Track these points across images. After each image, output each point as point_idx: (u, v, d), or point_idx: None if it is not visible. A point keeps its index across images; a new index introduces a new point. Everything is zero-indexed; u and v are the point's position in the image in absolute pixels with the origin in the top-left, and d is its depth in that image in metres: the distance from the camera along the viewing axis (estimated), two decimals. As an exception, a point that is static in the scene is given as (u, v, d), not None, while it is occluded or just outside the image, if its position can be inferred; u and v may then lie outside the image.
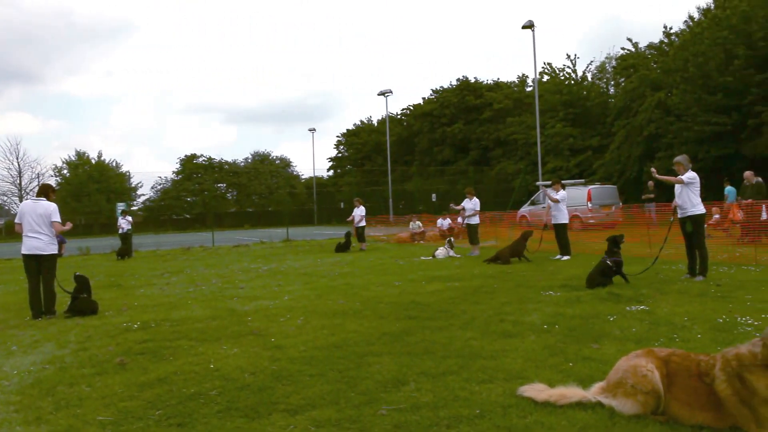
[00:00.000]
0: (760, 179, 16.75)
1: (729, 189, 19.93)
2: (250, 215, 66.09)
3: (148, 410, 4.28)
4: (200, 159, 70.14)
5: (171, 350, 6.09)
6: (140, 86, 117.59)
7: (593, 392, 3.97)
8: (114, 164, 64.80)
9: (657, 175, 10.41)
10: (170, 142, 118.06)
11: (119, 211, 25.01)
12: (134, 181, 66.12)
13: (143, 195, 67.62)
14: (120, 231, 22.15)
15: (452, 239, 17.41)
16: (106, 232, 48.36)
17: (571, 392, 4.00)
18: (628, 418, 3.66)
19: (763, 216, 15.04)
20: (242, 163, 74.33)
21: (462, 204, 17.03)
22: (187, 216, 65.77)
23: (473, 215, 16.63)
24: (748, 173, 16.97)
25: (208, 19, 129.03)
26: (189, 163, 68.83)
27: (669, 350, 3.91)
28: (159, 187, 67.79)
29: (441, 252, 16.16)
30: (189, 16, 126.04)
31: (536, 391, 4.09)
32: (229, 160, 73.03)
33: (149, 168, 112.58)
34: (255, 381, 4.86)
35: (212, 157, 71.07)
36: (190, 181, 67.51)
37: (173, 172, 68.85)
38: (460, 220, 22.58)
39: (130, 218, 22.75)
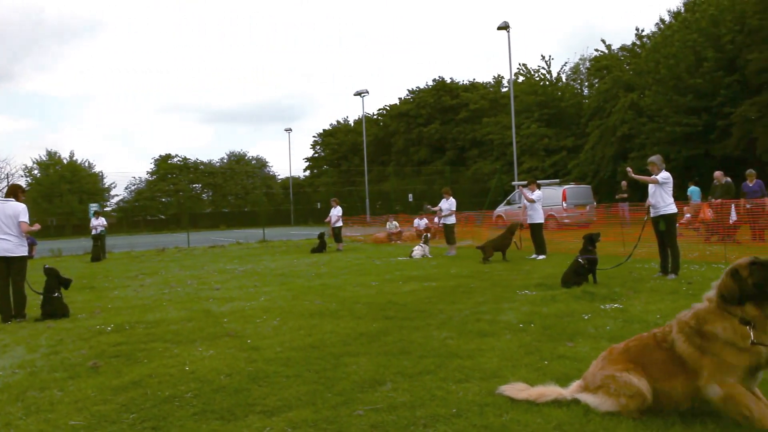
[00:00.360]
0: (729, 179, 17.11)
1: (692, 189, 20.40)
2: (225, 216, 65.64)
3: (121, 414, 4.22)
4: (175, 159, 69.47)
5: (145, 353, 6.01)
6: (113, 85, 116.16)
7: (571, 390, 3.99)
8: (86, 164, 63.90)
9: (633, 175, 10.57)
10: (144, 142, 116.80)
11: (92, 212, 24.64)
12: (107, 181, 65.34)
13: (117, 195, 66.82)
14: (93, 232, 21.81)
15: (428, 235, 17.49)
16: (79, 233, 47.58)
17: (550, 390, 4.03)
18: (602, 415, 3.70)
19: (732, 216, 15.37)
20: (218, 164, 73.81)
21: (439, 204, 17.10)
22: (162, 217, 65.08)
23: (449, 215, 16.70)
24: (717, 173, 17.33)
25: (184, 18, 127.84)
26: (164, 164, 68.10)
27: (623, 342, 3.98)
28: (133, 187, 67.03)
29: (417, 252, 16.20)
30: (162, 15, 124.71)
31: (516, 390, 4.11)
32: (205, 160, 72.62)
33: (123, 168, 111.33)
34: (231, 383, 4.82)
35: (187, 157, 70.59)
36: (165, 182, 66.79)
37: (147, 173, 68.18)
38: (436, 220, 22.70)
39: (103, 219, 22.42)
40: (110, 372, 5.35)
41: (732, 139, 28.15)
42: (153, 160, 68.96)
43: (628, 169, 11.15)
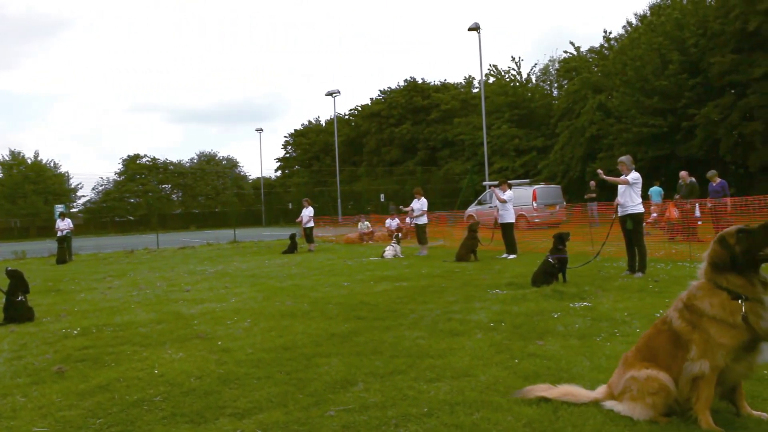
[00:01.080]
0: (693, 179, 17.52)
1: (653, 189, 20.90)
2: (196, 216, 64.86)
3: (88, 419, 4.14)
4: (144, 159, 68.38)
5: (113, 356, 5.91)
6: (80, 84, 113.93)
7: (598, 394, 3.88)
8: (52, 165, 62.57)
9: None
10: (112, 142, 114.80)
11: (58, 214, 24.09)
12: (74, 182, 64.04)
13: (83, 196, 65.53)
14: (59, 234, 21.34)
15: (399, 235, 17.54)
16: (44, 235, 46.51)
17: (576, 391, 3.94)
18: (571, 411, 3.75)
19: (696, 214, 15.75)
20: (188, 164, 72.91)
21: (411, 205, 17.16)
22: (131, 218, 64.00)
23: (421, 215, 16.76)
24: (683, 173, 17.74)
25: (152, 16, 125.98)
26: (132, 164, 66.98)
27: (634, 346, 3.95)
28: (100, 188, 65.76)
29: (389, 252, 16.22)
30: (131, 14, 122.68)
31: (540, 390, 4.02)
32: (174, 160, 71.59)
33: (90, 168, 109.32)
34: (201, 385, 4.76)
35: (156, 157, 69.49)
36: (134, 182, 65.69)
37: (115, 173, 66.96)
38: (408, 220, 22.76)
39: (69, 221, 21.97)
40: (76, 376, 5.24)
41: (696, 140, 28.80)
42: (121, 161, 67.86)
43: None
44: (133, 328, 7.39)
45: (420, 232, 16.92)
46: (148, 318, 8.06)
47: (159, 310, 8.69)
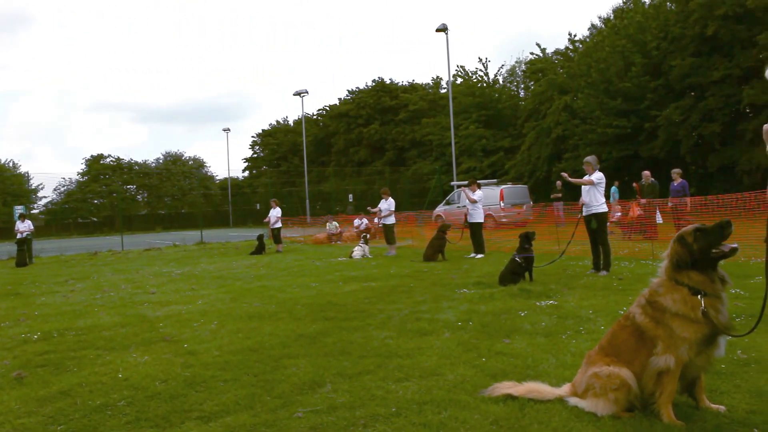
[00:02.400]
0: (654, 180, 17.93)
1: (612, 189, 21.38)
2: (162, 217, 63.87)
3: (48, 426, 4.04)
4: (108, 159, 67.11)
5: (75, 361, 5.78)
6: (41, 82, 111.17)
7: (563, 391, 3.94)
8: (11, 164, 61.02)
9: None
10: (74, 142, 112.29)
11: (17, 215, 23.46)
12: (34, 182, 62.54)
13: (45, 197, 63.96)
14: (18, 236, 20.78)
15: (367, 235, 17.56)
16: (3, 237, 45.25)
17: (541, 388, 4.00)
18: (537, 408, 3.80)
19: (658, 218, 16.17)
20: (153, 164, 71.76)
21: (378, 205, 17.19)
22: (94, 219, 62.70)
23: (389, 215, 16.80)
24: (645, 173, 18.14)
25: (116, 13, 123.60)
26: (95, 164, 65.64)
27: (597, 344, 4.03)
28: (62, 189, 64.27)
29: (357, 252, 16.23)
30: (94, 10, 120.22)
31: (505, 387, 4.07)
32: (139, 160, 70.39)
33: (51, 169, 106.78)
34: (166, 389, 4.69)
35: (121, 157, 68.27)
36: (97, 183, 64.35)
37: (78, 173, 65.52)
38: (376, 220, 22.79)
39: (29, 223, 21.41)
40: (36, 382, 5.11)
41: (658, 141, 29.41)
42: (84, 161, 66.48)
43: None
44: (96, 331, 7.24)
45: (388, 232, 16.95)
46: (112, 321, 7.91)
47: (123, 313, 8.53)
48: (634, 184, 19.41)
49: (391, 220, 16.92)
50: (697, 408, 3.70)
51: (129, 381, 4.96)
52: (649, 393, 3.61)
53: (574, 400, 3.82)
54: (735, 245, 3.46)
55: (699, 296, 3.45)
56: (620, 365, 3.66)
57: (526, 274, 9.62)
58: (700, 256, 3.50)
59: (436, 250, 14.17)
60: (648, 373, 3.59)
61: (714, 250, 3.48)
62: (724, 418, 3.54)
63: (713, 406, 3.68)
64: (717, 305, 3.46)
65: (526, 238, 9.81)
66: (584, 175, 10.52)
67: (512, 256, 9.81)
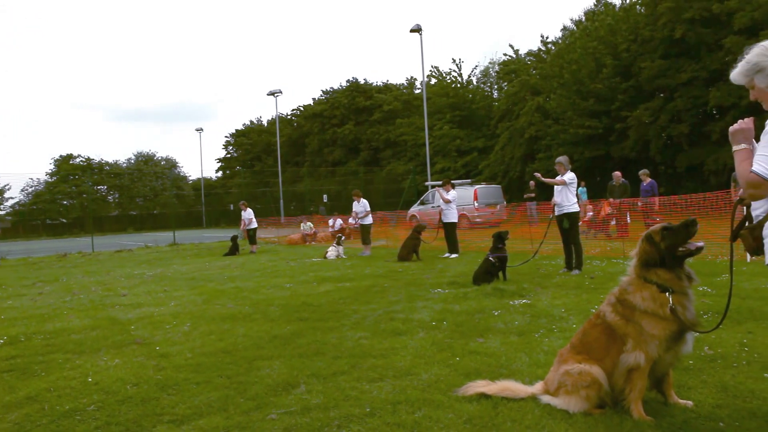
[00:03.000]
0: (625, 180, 18.22)
1: (580, 189, 21.74)
2: (133, 218, 62.90)
3: None
4: (77, 159, 65.89)
5: (43, 365, 5.67)
6: (7, 80, 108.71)
7: (536, 390, 3.98)
8: (-24, 165, 59.52)
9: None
10: (43, 141, 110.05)
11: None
12: (0, 182, 61.04)
13: (11, 198, 62.44)
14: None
15: (341, 236, 17.57)
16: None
17: (514, 386, 4.04)
18: (510, 406, 3.84)
19: (627, 219, 16.48)
20: (125, 164, 70.68)
21: (353, 208, 17.33)
22: (63, 220, 61.47)
23: (365, 216, 16.87)
24: (616, 173, 18.42)
25: (87, 10, 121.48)
26: (65, 164, 64.38)
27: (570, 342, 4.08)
28: (30, 189, 62.83)
29: (331, 253, 16.21)
30: (64, 6, 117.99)
31: (478, 386, 4.10)
32: (110, 160, 69.29)
33: (18, 169, 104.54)
34: (138, 392, 4.63)
35: (91, 157, 67.08)
36: (66, 183, 63.11)
37: (47, 174, 64.20)
38: (351, 221, 22.77)
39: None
40: (2, 388, 5.00)
41: (629, 141, 29.89)
42: (53, 161, 65.16)
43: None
44: (65, 335, 7.11)
45: (365, 232, 17.01)
46: (81, 324, 7.77)
47: (94, 316, 8.39)
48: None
49: (369, 220, 17.01)
50: (666, 404, 3.77)
51: (99, 385, 4.88)
52: (620, 390, 3.66)
53: (546, 398, 3.86)
54: (701, 244, 3.54)
55: (667, 293, 3.52)
56: (591, 363, 3.71)
57: (500, 274, 9.70)
58: (667, 255, 3.57)
59: (410, 250, 14.22)
60: (618, 370, 3.65)
61: (680, 249, 3.55)
62: (691, 413, 3.62)
63: (681, 401, 3.76)
64: (684, 302, 3.54)
65: (500, 238, 9.89)
66: (556, 175, 10.64)
67: (486, 255, 9.88)
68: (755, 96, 3.08)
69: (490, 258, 9.67)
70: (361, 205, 16.89)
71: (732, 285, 3.41)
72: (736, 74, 3.10)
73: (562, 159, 10.69)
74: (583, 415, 3.63)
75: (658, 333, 3.52)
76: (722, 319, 3.48)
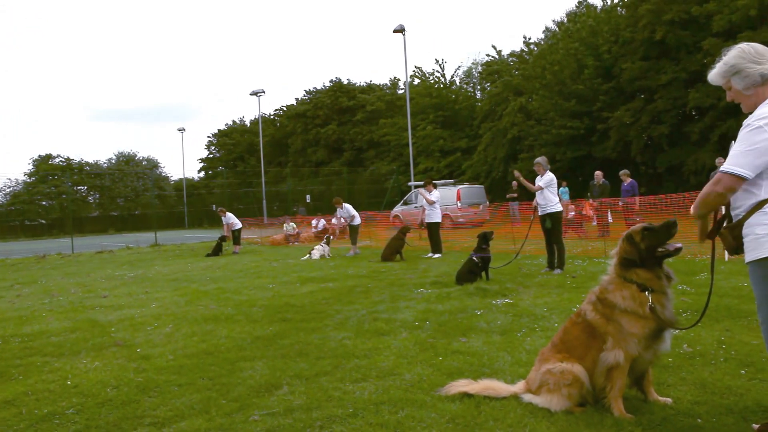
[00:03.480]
0: (606, 180, 18.40)
1: (561, 189, 21.96)
2: (114, 219, 62.21)
3: (-7, 435, 3.91)
4: (57, 159, 65.12)
5: (21, 368, 5.59)
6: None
7: (518, 389, 4.02)
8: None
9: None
10: (21, 141, 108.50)
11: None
12: (-23, 184, 60.09)
13: (-11, 198, 61.58)
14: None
15: (330, 236, 17.62)
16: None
17: (496, 385, 4.08)
18: (492, 405, 3.86)
19: (608, 218, 16.65)
20: (105, 164, 69.96)
21: (339, 215, 17.55)
22: (43, 221, 60.63)
23: (352, 218, 16.96)
24: (597, 173, 18.59)
25: (66, 8, 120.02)
26: (44, 164, 63.59)
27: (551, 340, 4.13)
28: (8, 189, 62.01)
29: (316, 252, 16.21)
30: (45, 6, 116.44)
31: (460, 385, 4.14)
32: (91, 160, 68.55)
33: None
34: (118, 395, 4.58)
35: (71, 157, 66.31)
36: (46, 184, 62.33)
37: (25, 174, 63.41)
38: (334, 221, 22.77)
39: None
40: (-20, 391, 4.93)
41: (610, 142, 30.18)
42: (31, 161, 64.36)
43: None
44: (44, 337, 7.01)
45: (353, 232, 17.09)
46: (61, 326, 7.67)
47: (73, 318, 8.29)
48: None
49: (357, 220, 17.14)
50: (646, 401, 3.81)
51: (78, 388, 4.83)
52: (600, 388, 3.71)
53: (528, 397, 3.89)
54: (679, 245, 3.58)
55: (647, 292, 3.56)
56: (573, 361, 3.75)
57: (483, 273, 9.74)
58: (647, 255, 3.61)
59: (393, 250, 14.24)
60: (599, 368, 3.69)
61: (660, 249, 3.59)
62: (670, 410, 3.66)
63: (660, 399, 3.81)
64: (663, 301, 3.59)
65: (484, 238, 9.97)
66: (537, 175, 10.71)
67: (469, 255, 9.93)
68: (732, 97, 3.13)
69: (474, 258, 9.72)
70: (344, 211, 16.99)
71: (712, 283, 3.46)
72: (714, 75, 3.15)
73: (541, 160, 10.76)
74: (565, 413, 3.66)
75: (637, 331, 3.56)
76: (701, 316, 3.53)
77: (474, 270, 9.64)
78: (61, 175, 63.49)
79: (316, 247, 16.58)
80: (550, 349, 3.96)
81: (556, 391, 3.72)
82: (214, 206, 53.78)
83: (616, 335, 3.62)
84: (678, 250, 3.57)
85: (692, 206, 3.20)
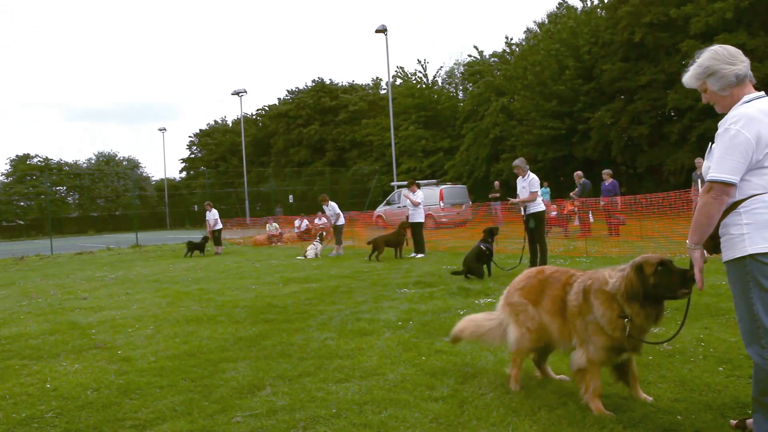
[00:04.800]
0: (587, 180, 18.55)
1: (543, 189, 22.13)
2: (94, 220, 61.48)
3: (-30, 440, 3.85)
4: (35, 159, 64.16)
5: (-1, 371, 5.51)
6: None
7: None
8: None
9: (515, 201, 11.01)
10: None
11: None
12: (-48, 184, 59.08)
13: (-36, 200, 60.54)
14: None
15: (323, 233, 17.67)
16: None
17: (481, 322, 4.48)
18: (476, 404, 3.88)
19: (590, 218, 16.83)
20: (85, 164, 69.10)
21: (326, 213, 17.52)
22: (21, 222, 59.77)
23: (337, 218, 16.96)
24: (577, 173, 18.75)
25: (45, 6, 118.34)
26: (22, 164, 62.65)
27: (555, 268, 4.27)
28: (-15, 190, 61.05)
29: (311, 251, 16.29)
30: (24, 3, 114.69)
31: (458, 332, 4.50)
32: (70, 160, 67.69)
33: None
34: (99, 398, 4.54)
35: (49, 157, 65.39)
36: (23, 184, 61.43)
37: (2, 174, 62.46)
38: (317, 221, 22.78)
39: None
40: (-43, 395, 4.85)
41: (591, 142, 30.44)
42: (8, 161, 63.40)
43: (510, 200, 11.43)
44: (22, 340, 6.92)
45: (338, 232, 17.10)
46: (39, 329, 7.57)
47: (52, 320, 8.18)
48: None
49: (341, 221, 17.18)
50: (629, 397, 3.86)
51: (58, 391, 4.77)
52: (577, 386, 3.80)
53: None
54: (688, 291, 3.37)
55: (625, 320, 3.50)
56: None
57: (485, 268, 9.98)
58: (652, 292, 3.42)
59: (389, 242, 14.44)
60: (571, 368, 3.82)
61: (668, 294, 3.41)
62: (650, 407, 3.72)
63: (642, 396, 3.86)
64: (636, 333, 3.53)
65: (490, 233, 10.25)
66: (517, 177, 10.79)
67: (477, 243, 10.16)
68: (707, 99, 3.17)
69: (482, 246, 9.91)
70: (330, 209, 17.02)
71: (689, 304, 3.49)
72: (689, 78, 3.19)
73: (519, 162, 10.80)
74: (547, 410, 3.70)
75: (598, 342, 3.63)
76: (681, 325, 3.55)
77: (481, 257, 9.88)
78: (39, 175, 62.62)
79: (311, 245, 16.64)
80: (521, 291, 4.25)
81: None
82: (196, 207, 53.43)
83: (581, 335, 3.73)
84: (685, 295, 3.38)
85: (690, 233, 3.07)
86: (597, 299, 3.66)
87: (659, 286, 3.38)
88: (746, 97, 3.00)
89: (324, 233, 17.76)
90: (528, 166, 10.80)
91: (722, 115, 3.09)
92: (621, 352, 3.65)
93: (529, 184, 10.47)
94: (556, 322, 3.91)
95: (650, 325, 3.56)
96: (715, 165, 2.93)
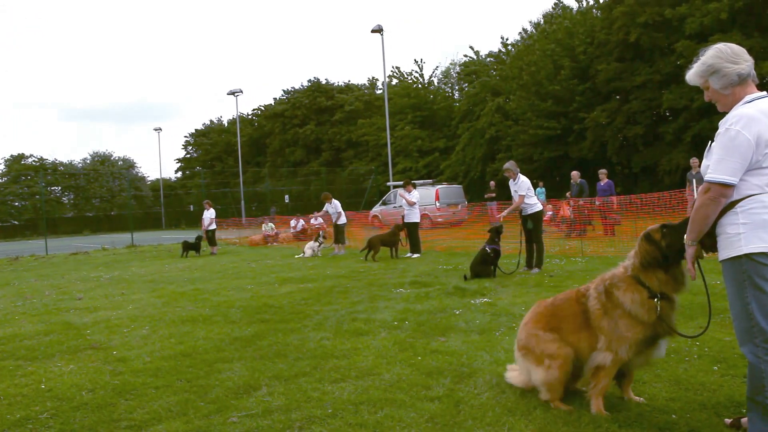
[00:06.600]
0: (583, 180, 18.59)
1: (538, 190, 22.18)
2: (89, 220, 61.32)
3: (-36, 441, 3.83)
4: (29, 159, 63.94)
5: (-6, 372, 5.49)
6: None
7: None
8: None
9: (503, 213, 11.06)
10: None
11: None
12: (-54, 184, 58.81)
13: (-41, 200, 60.27)
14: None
15: (322, 232, 17.68)
16: None
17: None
18: (471, 404, 3.88)
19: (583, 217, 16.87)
20: (80, 164, 68.89)
21: (325, 209, 17.47)
22: (15, 222, 59.56)
23: (338, 217, 16.95)
24: (574, 173, 18.77)
25: (41, 6, 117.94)
26: (16, 164, 62.42)
27: (554, 295, 4.19)
28: (-21, 190, 60.77)
29: (308, 251, 16.28)
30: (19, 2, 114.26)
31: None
32: (65, 160, 67.47)
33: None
34: (94, 398, 4.52)
35: (44, 157, 65.18)
36: (18, 184, 61.21)
37: (-4, 174, 62.21)
38: (313, 221, 22.76)
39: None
40: (-49, 396, 4.83)
41: (587, 142, 30.52)
42: (3, 161, 63.15)
43: (502, 213, 11.47)
44: (16, 341, 6.89)
45: (338, 232, 17.08)
46: (34, 329, 7.54)
47: (47, 321, 8.16)
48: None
49: (342, 220, 17.16)
50: (622, 398, 3.87)
51: (53, 392, 4.75)
52: (587, 383, 3.78)
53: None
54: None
55: (656, 299, 3.48)
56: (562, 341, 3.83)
57: (493, 268, 9.98)
58: (669, 252, 3.47)
59: (384, 242, 14.43)
60: (587, 366, 3.73)
61: (683, 251, 3.40)
62: (646, 407, 3.72)
63: (635, 398, 3.86)
64: (668, 309, 3.52)
65: (496, 232, 10.23)
66: (508, 180, 10.82)
67: (482, 246, 10.17)
68: (709, 97, 3.17)
69: (487, 248, 9.89)
70: (333, 207, 17.00)
71: (706, 284, 3.41)
72: (692, 75, 3.18)
73: (509, 165, 10.82)
74: (543, 410, 3.70)
75: (632, 336, 3.53)
76: (707, 325, 3.54)
77: (486, 260, 9.87)
78: (34, 175, 62.34)
79: (309, 244, 16.65)
80: (535, 319, 4.05)
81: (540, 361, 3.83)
82: (192, 207, 53.32)
83: (610, 335, 3.60)
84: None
85: (687, 231, 3.11)
86: (620, 288, 3.61)
87: (671, 245, 3.45)
88: (748, 97, 3.00)
89: (323, 233, 17.75)
90: (518, 169, 10.83)
91: (721, 115, 3.09)
92: (653, 342, 3.57)
93: (518, 187, 10.50)
94: (583, 336, 3.76)
95: (679, 289, 3.53)
96: (714, 166, 2.94)
